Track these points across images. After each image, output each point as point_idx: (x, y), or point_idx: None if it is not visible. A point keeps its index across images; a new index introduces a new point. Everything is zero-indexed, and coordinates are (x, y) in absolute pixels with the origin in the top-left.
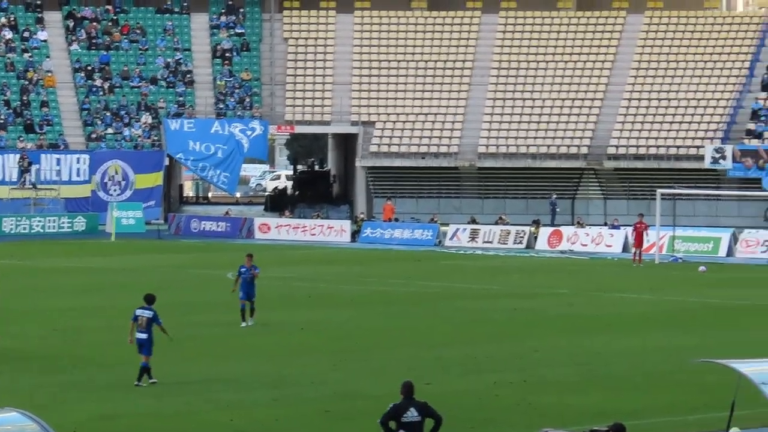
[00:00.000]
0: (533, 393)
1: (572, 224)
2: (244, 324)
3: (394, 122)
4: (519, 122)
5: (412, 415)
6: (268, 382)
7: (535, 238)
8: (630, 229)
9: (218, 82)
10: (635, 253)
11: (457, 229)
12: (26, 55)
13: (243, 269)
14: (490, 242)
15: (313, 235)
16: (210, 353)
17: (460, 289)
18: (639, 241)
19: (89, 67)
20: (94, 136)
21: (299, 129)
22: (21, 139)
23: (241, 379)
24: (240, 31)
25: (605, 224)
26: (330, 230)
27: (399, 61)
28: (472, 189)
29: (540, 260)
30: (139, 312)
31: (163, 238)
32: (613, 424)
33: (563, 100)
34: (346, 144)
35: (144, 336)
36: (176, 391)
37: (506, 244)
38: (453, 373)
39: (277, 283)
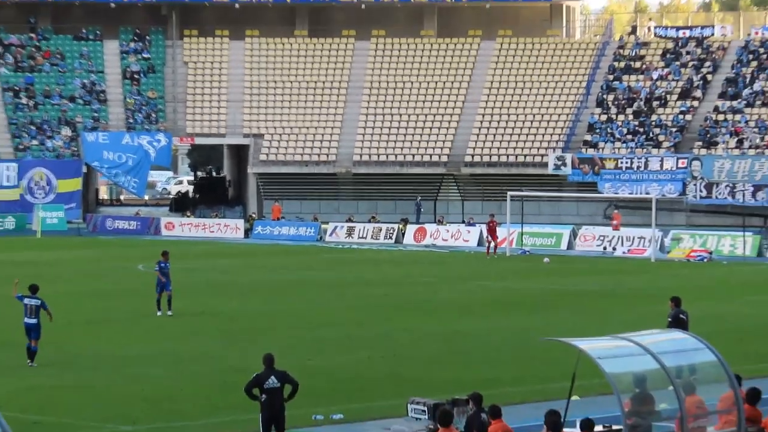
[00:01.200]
0: (402, 367)
1: (435, 222)
2: (159, 313)
3: (281, 134)
4: (388, 134)
5: (272, 382)
6: (172, 358)
7: (403, 234)
8: (484, 227)
9: (128, 100)
10: (488, 246)
11: (336, 227)
12: None
13: (162, 264)
14: (365, 238)
15: (212, 232)
16: (122, 334)
17: (338, 278)
18: (493, 236)
19: (16, 87)
20: (21, 147)
21: (199, 140)
22: None
23: (148, 355)
24: (146, 55)
25: (463, 222)
26: (226, 228)
27: (284, 81)
28: (348, 192)
29: (407, 253)
30: (27, 301)
31: (82, 235)
32: (472, 393)
33: (426, 114)
34: (239, 153)
35: (33, 321)
36: (92, 366)
37: (378, 239)
38: (331, 350)
39: (180, 274)
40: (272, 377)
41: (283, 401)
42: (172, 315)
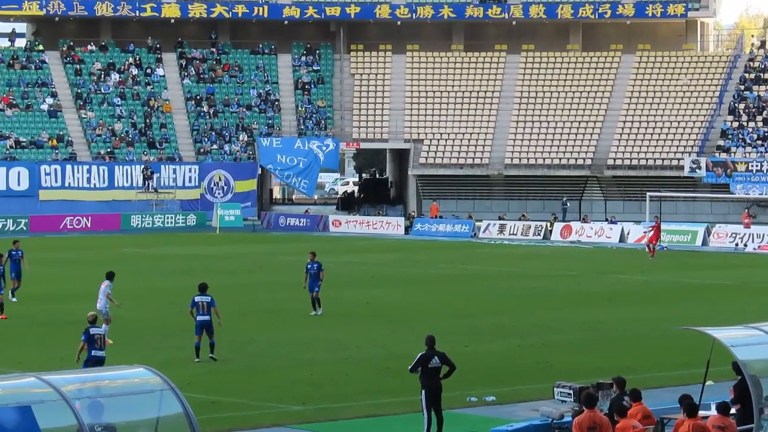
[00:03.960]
0: (549, 354)
1: (579, 220)
2: (313, 313)
3: (439, 140)
4: (537, 139)
5: (435, 362)
6: (339, 345)
7: (550, 231)
8: (648, 227)
9: (299, 109)
10: (654, 246)
11: (489, 224)
12: (149, 87)
13: (308, 266)
14: (515, 234)
15: (375, 228)
16: (292, 322)
17: (490, 271)
18: (657, 235)
19: (198, 97)
20: (202, 150)
21: (364, 145)
22: (145, 153)
23: (316, 342)
24: (316, 68)
25: (606, 220)
26: (388, 225)
27: (442, 91)
28: (500, 192)
29: (554, 249)
30: (198, 299)
31: (257, 231)
32: (616, 377)
33: (572, 121)
34: (401, 156)
35: (206, 318)
36: (265, 352)
37: (527, 236)
38: (485, 338)
39: (347, 267)
40: (435, 357)
41: (440, 380)
42: (320, 314)
